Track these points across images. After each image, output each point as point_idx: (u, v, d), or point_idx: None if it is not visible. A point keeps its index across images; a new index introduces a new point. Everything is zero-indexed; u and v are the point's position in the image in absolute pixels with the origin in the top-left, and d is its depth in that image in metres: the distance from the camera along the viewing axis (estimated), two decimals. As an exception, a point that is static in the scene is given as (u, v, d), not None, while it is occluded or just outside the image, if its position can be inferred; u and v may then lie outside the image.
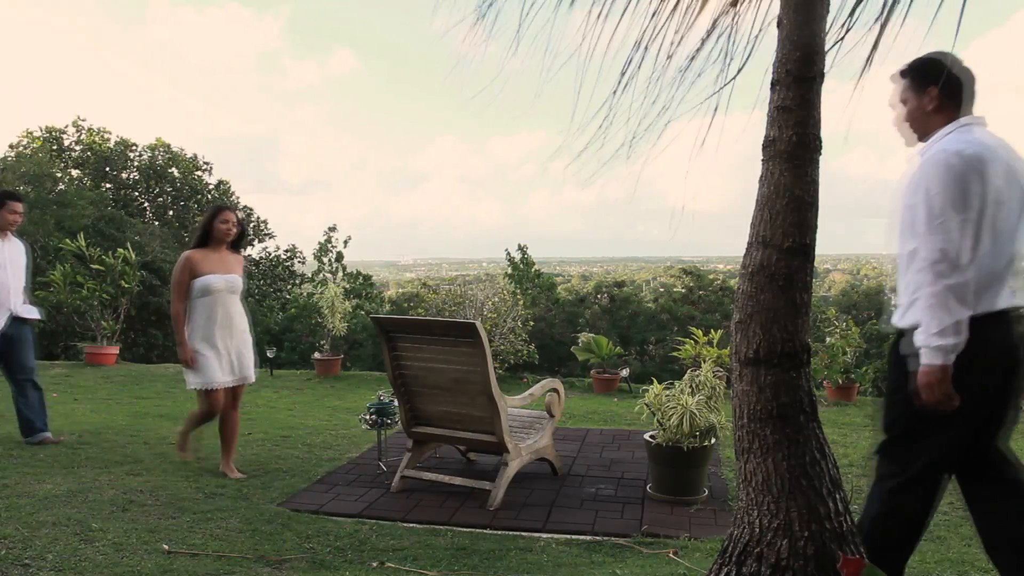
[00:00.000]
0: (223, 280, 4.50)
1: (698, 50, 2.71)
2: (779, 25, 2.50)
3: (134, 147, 22.15)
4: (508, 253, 17.99)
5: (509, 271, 17.36)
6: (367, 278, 17.42)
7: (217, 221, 4.56)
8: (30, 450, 4.91)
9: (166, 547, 3.19)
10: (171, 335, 17.33)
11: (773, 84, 2.50)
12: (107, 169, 21.57)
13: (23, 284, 5.34)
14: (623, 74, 2.74)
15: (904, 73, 2.55)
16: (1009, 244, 2.36)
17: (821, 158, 2.48)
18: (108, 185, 21.54)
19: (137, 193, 22.38)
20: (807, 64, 2.43)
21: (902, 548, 2.49)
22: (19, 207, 5.29)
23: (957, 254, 2.24)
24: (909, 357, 2.35)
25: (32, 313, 5.33)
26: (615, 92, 2.64)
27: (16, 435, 5.32)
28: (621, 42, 2.71)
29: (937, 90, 2.45)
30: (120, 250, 9.76)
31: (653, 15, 2.68)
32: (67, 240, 10.04)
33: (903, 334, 2.44)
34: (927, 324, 2.27)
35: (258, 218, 23.29)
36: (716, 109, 2.69)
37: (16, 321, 5.20)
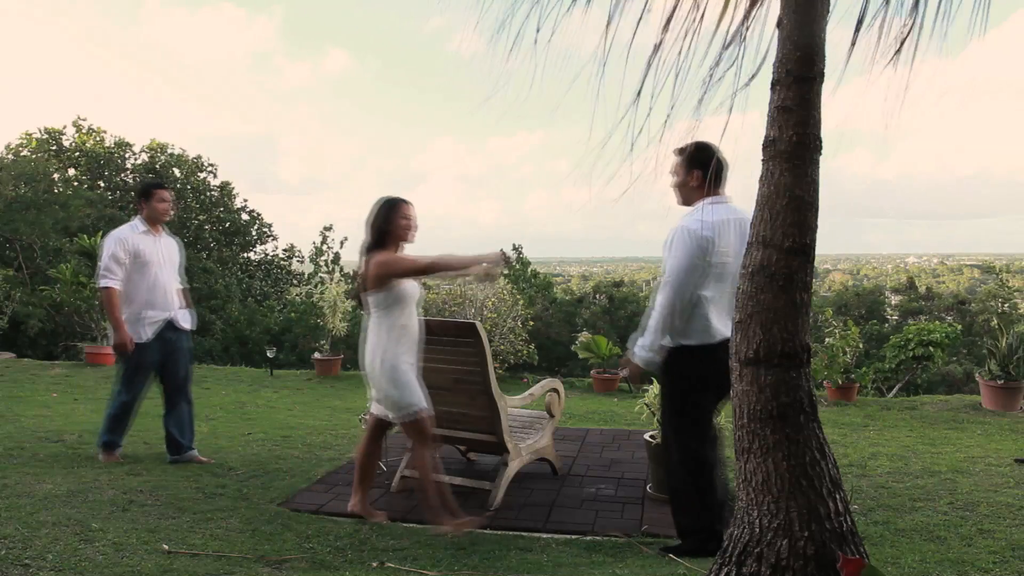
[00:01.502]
0: (417, 289, 3.80)
1: (720, 56, 2.71)
2: (779, 25, 2.50)
3: (130, 147, 22.06)
4: (504, 253, 17.94)
5: (506, 271, 17.38)
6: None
7: (399, 217, 3.72)
8: (30, 450, 4.90)
9: (166, 547, 3.19)
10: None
11: (773, 84, 2.50)
12: (104, 171, 21.52)
13: (180, 285, 4.92)
14: (641, 84, 2.74)
15: (680, 152, 3.31)
16: (732, 286, 3.09)
17: (821, 158, 2.48)
18: (102, 184, 21.47)
19: (135, 194, 22.31)
20: (807, 64, 2.43)
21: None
22: (167, 195, 4.83)
23: (675, 303, 3.21)
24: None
25: (188, 321, 4.89)
26: (638, 93, 2.62)
27: (16, 435, 5.32)
28: (626, 47, 2.71)
29: (700, 173, 3.30)
30: None
31: (667, 22, 2.67)
32: (83, 236, 10.03)
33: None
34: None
35: (262, 220, 23.26)
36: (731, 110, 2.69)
37: (173, 328, 4.78)
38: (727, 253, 3.25)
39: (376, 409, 3.87)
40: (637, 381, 3.56)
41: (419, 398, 3.67)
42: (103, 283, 4.60)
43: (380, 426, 3.92)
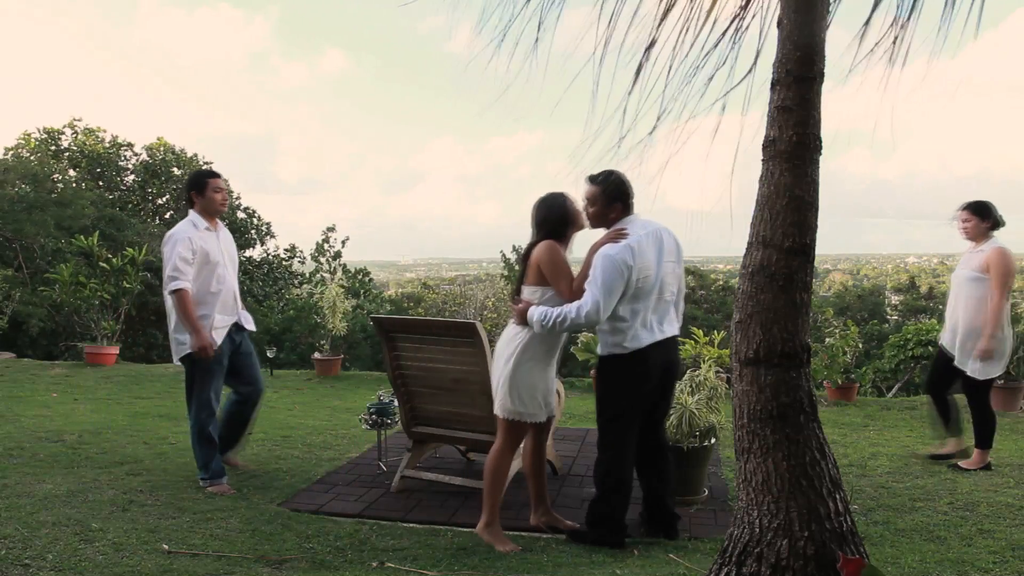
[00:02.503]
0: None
1: (708, 55, 2.71)
2: (779, 25, 2.50)
3: (129, 147, 22.02)
4: (503, 255, 18.02)
5: (505, 272, 17.41)
6: (364, 273, 17.36)
7: (575, 206, 3.52)
8: (30, 450, 4.90)
9: (166, 547, 3.19)
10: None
11: (773, 84, 2.50)
12: (104, 171, 21.49)
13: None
14: (636, 75, 2.75)
15: (596, 182, 3.49)
16: (656, 295, 3.47)
17: (821, 158, 2.48)
18: (101, 184, 21.45)
19: (135, 195, 22.29)
20: (807, 64, 2.43)
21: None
22: (222, 183, 4.39)
23: (597, 310, 3.31)
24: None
25: (250, 323, 4.56)
26: (629, 92, 2.64)
27: (16, 435, 5.32)
28: (625, 45, 2.72)
29: (620, 205, 3.47)
30: (129, 250, 9.77)
31: (661, 18, 2.68)
32: (80, 237, 10.02)
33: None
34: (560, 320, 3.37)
35: (259, 218, 23.23)
36: (727, 107, 2.69)
37: (239, 329, 4.45)
38: (647, 267, 3.41)
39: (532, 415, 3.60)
40: (517, 316, 3.48)
41: (541, 412, 3.56)
42: (174, 286, 4.09)
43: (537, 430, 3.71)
